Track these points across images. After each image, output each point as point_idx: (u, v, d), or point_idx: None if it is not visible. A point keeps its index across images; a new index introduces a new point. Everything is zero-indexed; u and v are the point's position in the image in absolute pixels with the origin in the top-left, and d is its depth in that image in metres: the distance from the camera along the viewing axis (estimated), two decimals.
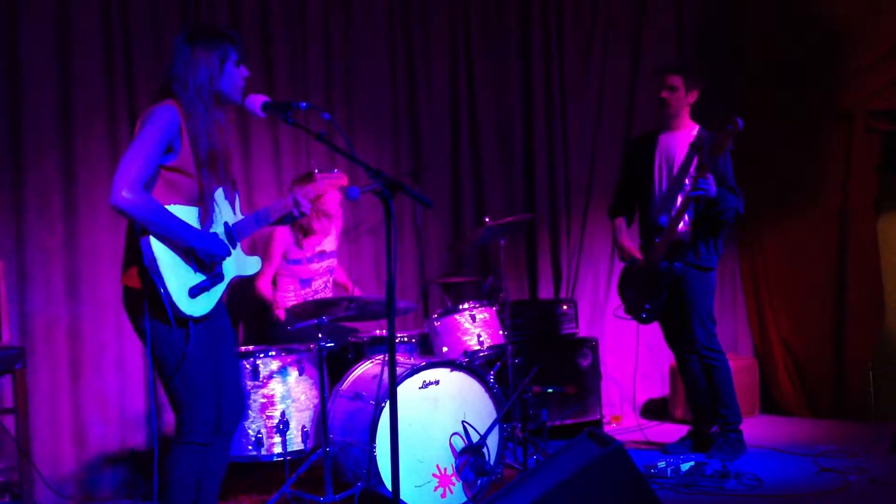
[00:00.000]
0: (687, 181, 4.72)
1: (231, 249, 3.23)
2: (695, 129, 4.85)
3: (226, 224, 3.25)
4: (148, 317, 3.04)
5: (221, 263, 3.20)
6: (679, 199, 4.73)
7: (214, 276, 3.18)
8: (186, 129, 3.07)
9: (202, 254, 3.09)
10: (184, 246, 3.05)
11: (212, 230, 3.17)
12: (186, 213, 3.09)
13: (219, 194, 3.21)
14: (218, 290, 3.21)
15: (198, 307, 3.11)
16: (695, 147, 4.72)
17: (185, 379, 3.12)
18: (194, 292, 3.09)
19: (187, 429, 3.15)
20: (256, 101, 3.17)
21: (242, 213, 3.36)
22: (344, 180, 3.61)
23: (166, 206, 3.04)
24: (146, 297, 3.04)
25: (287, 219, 3.41)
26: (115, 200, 2.94)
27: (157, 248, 3.01)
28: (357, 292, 5.16)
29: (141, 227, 2.99)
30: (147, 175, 3.00)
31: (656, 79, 4.92)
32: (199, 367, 3.14)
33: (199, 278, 3.13)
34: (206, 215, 3.13)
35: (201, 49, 3.11)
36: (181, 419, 3.16)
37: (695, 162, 4.71)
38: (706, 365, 4.87)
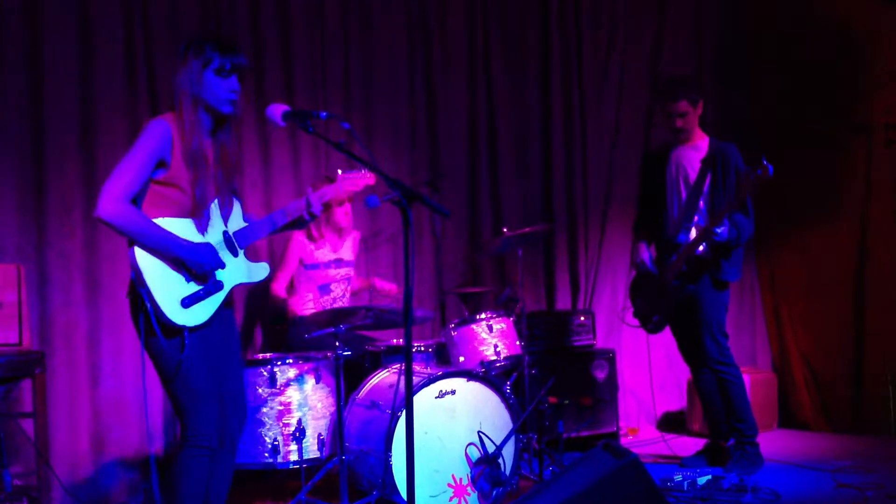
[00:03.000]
0: (702, 203, 4.73)
1: (225, 258, 3.24)
2: (704, 141, 4.85)
3: (224, 233, 3.28)
4: (143, 325, 3.09)
5: (215, 273, 3.22)
6: (696, 219, 4.74)
7: (211, 286, 3.20)
8: (179, 141, 3.12)
9: (191, 264, 3.13)
10: (171, 256, 3.10)
11: (206, 240, 3.19)
12: (178, 225, 3.13)
13: (215, 205, 3.24)
14: (216, 299, 3.23)
15: (192, 317, 3.14)
16: (706, 163, 4.74)
17: (186, 385, 3.16)
18: (187, 302, 3.13)
19: (192, 434, 3.18)
20: (277, 110, 3.19)
21: (255, 219, 3.39)
22: (371, 179, 3.60)
23: (157, 219, 3.09)
24: (140, 306, 3.09)
25: (299, 222, 3.42)
26: (98, 212, 3.04)
27: (143, 259, 3.06)
28: (378, 281, 5.17)
29: (128, 238, 3.06)
30: (135, 189, 3.08)
31: (664, 110, 4.90)
32: (198, 373, 3.17)
33: (192, 288, 3.16)
34: (202, 223, 3.17)
35: (189, 56, 3.17)
36: (185, 424, 3.19)
37: (708, 179, 4.73)
38: (720, 379, 4.86)
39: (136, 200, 3.11)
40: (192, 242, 3.14)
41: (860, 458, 4.99)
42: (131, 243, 3.07)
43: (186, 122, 3.13)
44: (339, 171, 3.64)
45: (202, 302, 3.17)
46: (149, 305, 3.06)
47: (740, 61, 6.51)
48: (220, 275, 3.23)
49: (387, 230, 5.62)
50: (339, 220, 4.97)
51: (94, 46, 4.76)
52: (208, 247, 3.18)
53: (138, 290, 3.07)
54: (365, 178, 3.61)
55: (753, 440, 4.85)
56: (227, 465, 3.35)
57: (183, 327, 3.11)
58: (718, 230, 4.54)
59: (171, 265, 3.11)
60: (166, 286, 3.09)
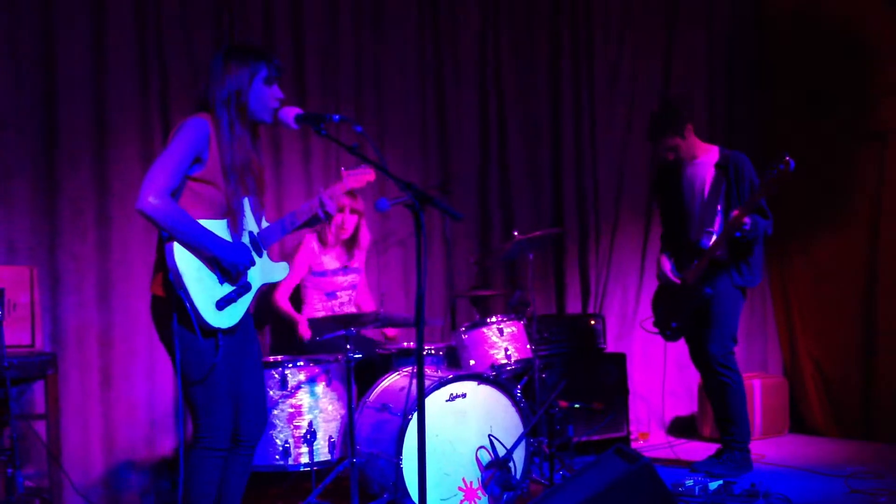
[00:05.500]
0: (719, 207, 4.73)
1: (256, 258, 3.26)
2: (714, 150, 4.86)
3: (251, 234, 3.29)
4: (176, 325, 3.07)
5: (247, 273, 3.23)
6: (716, 223, 4.74)
7: (242, 287, 3.21)
8: (216, 141, 3.13)
9: (226, 264, 3.13)
10: (208, 255, 3.09)
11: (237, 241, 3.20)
12: (213, 226, 3.13)
13: (245, 205, 3.25)
14: (246, 301, 3.25)
15: (226, 319, 3.15)
16: (721, 168, 4.74)
17: (208, 387, 3.16)
18: (222, 304, 3.13)
19: (204, 435, 3.19)
20: (290, 112, 3.20)
21: (269, 221, 3.40)
22: (371, 175, 3.61)
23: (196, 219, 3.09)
24: (173, 306, 3.07)
25: (314, 221, 3.42)
26: (141, 205, 3.01)
27: (182, 259, 3.04)
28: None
29: (166, 233, 3.04)
30: (174, 184, 3.07)
31: (654, 147, 4.94)
32: (221, 376, 3.18)
33: (226, 289, 3.16)
34: (236, 226, 3.17)
35: (233, 64, 3.18)
36: (198, 425, 3.20)
37: (723, 184, 4.74)
38: (719, 382, 4.85)
39: (174, 196, 3.09)
40: (231, 242, 3.15)
41: (872, 463, 4.96)
42: (168, 240, 3.05)
43: (226, 129, 3.13)
44: (343, 169, 3.65)
45: (234, 304, 3.18)
46: (188, 306, 3.04)
47: (751, 66, 6.50)
48: (250, 276, 3.25)
49: (396, 234, 5.62)
50: (348, 228, 4.95)
51: (106, 48, 4.77)
52: (244, 247, 3.20)
53: (176, 291, 3.04)
54: (367, 175, 3.61)
55: (744, 446, 4.85)
56: (244, 469, 3.36)
57: (219, 329, 3.12)
58: (747, 221, 4.53)
59: (206, 265, 3.10)
60: (202, 287, 3.08)
